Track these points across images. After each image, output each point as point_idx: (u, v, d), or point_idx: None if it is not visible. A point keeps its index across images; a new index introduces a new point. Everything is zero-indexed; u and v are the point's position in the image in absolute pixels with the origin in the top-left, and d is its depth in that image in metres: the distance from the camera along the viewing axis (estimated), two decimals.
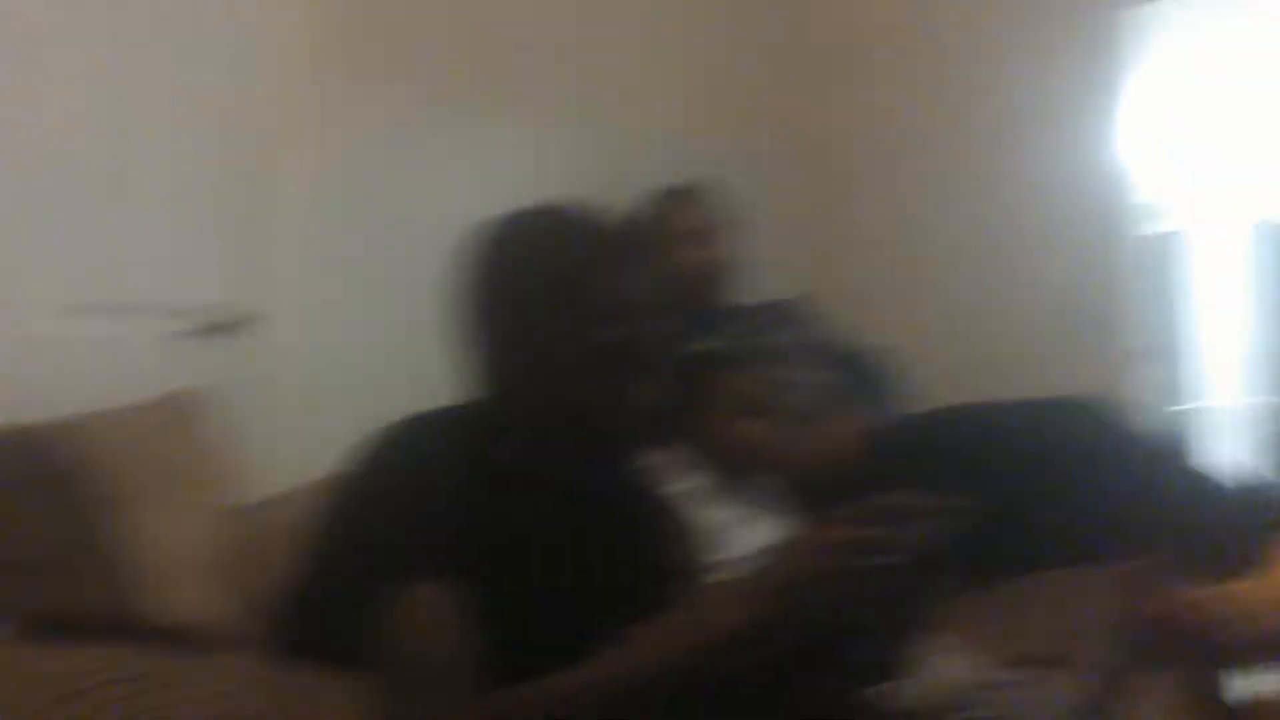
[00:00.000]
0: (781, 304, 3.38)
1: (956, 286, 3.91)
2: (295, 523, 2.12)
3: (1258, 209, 4.82)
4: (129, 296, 2.70)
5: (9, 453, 1.90)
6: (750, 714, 1.48)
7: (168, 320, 2.75)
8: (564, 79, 3.63)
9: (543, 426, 1.48)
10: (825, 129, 4.20)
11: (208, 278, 2.86)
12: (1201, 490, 2.62)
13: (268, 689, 1.13)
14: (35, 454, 1.91)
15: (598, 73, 3.70)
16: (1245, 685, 2.27)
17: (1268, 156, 4.65)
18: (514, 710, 1.33)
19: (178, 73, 2.76)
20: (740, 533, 2.55)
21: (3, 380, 2.35)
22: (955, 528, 1.32)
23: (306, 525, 1.77)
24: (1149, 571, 2.33)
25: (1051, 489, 2.51)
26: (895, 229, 4.06)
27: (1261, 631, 2.16)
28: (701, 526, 2.20)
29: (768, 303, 3.37)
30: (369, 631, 1.35)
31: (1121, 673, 2.24)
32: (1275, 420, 4.36)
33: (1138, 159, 3.91)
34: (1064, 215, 3.82)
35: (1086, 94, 3.82)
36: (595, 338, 1.44)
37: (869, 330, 3.40)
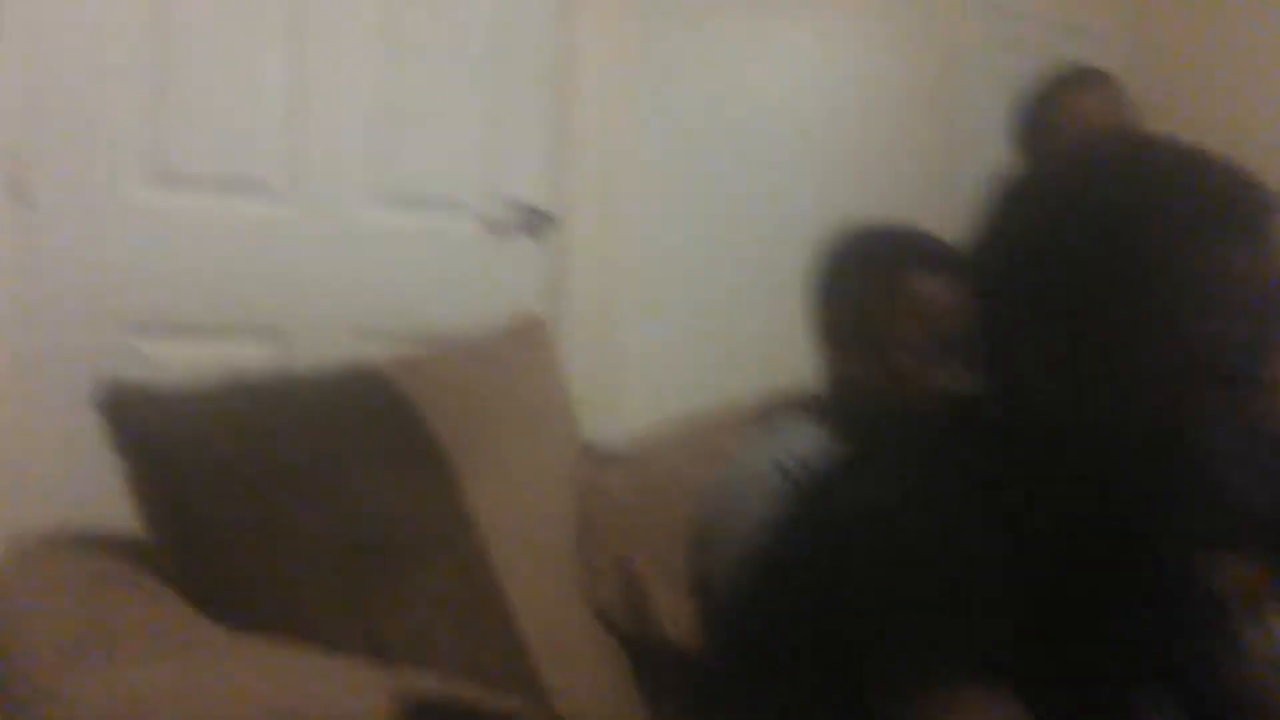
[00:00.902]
0: None
1: None
2: (658, 483, 1.77)
3: None
4: (437, 190, 2.52)
5: (347, 399, 1.51)
6: None
7: (473, 217, 2.56)
8: None
9: (1116, 454, 1.02)
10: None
11: (513, 177, 2.61)
12: None
13: None
14: (377, 401, 1.52)
15: None
16: None
17: None
18: None
19: None
20: None
21: (322, 261, 2.33)
22: None
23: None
24: None
25: None
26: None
27: None
28: None
29: None
30: None
31: None
32: None
33: None
34: None
35: None
36: (1201, 331, 0.97)
37: None
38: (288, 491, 1.39)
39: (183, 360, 2.15)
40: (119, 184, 2.11)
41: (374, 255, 2.41)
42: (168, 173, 2.16)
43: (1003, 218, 1.09)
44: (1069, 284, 1.01)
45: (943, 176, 3.22)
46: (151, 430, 1.30)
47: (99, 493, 1.40)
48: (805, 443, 1.57)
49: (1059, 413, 1.02)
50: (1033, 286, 1.03)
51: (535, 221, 2.62)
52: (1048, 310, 1.02)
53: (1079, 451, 1.02)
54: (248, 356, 2.24)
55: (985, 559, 0.96)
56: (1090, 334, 1.00)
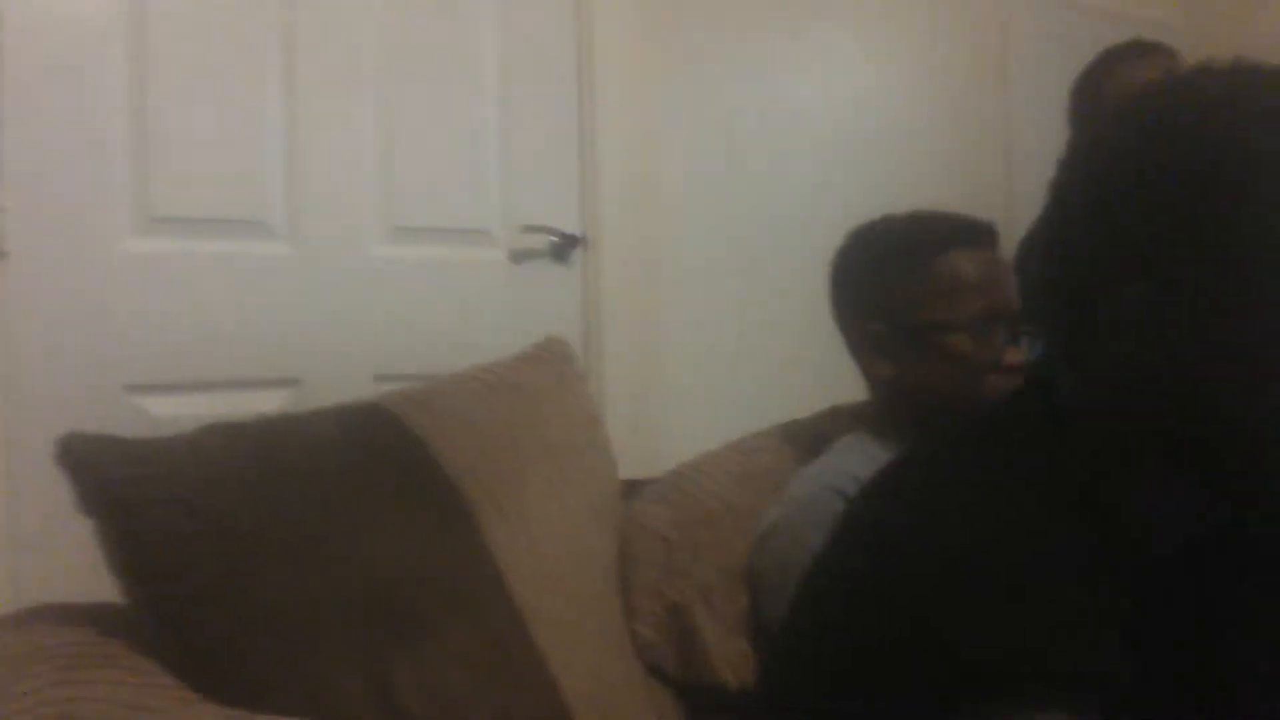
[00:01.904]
0: None
1: None
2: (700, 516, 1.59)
3: None
4: (454, 221, 2.40)
5: (348, 441, 1.35)
6: None
7: (496, 246, 2.43)
8: None
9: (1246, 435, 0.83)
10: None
11: (537, 201, 2.48)
12: None
13: None
14: (383, 441, 1.37)
15: None
16: None
17: None
18: None
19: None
20: None
21: (334, 304, 2.22)
22: None
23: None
24: None
25: None
26: None
27: None
28: None
29: None
30: None
31: None
32: None
33: None
34: None
35: None
36: None
37: None
38: (278, 549, 1.23)
39: (193, 419, 2.00)
40: (103, 232, 1.97)
41: (391, 294, 2.27)
42: (156, 218, 2.02)
43: (1084, 167, 0.91)
44: (1175, 235, 0.83)
45: (994, 183, 3.06)
46: (117, 483, 1.15)
47: (92, 563, 1.25)
48: (861, 460, 1.41)
49: (1169, 389, 0.83)
50: (1131, 240, 0.85)
51: (563, 246, 2.48)
52: (1151, 272, 0.84)
53: (1202, 434, 0.83)
54: (263, 411, 2.10)
55: (1068, 567, 0.79)
56: (1210, 293, 0.81)
